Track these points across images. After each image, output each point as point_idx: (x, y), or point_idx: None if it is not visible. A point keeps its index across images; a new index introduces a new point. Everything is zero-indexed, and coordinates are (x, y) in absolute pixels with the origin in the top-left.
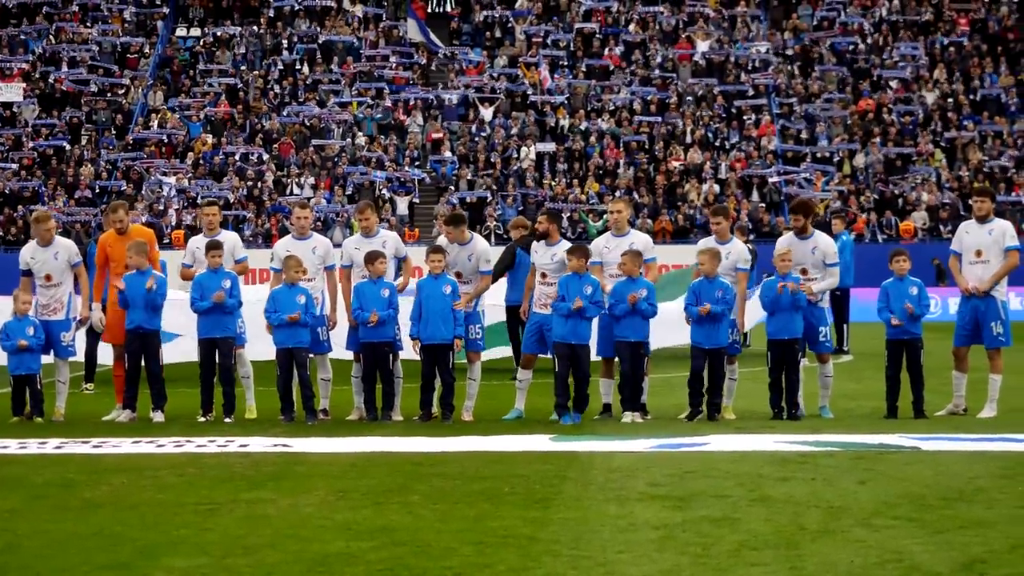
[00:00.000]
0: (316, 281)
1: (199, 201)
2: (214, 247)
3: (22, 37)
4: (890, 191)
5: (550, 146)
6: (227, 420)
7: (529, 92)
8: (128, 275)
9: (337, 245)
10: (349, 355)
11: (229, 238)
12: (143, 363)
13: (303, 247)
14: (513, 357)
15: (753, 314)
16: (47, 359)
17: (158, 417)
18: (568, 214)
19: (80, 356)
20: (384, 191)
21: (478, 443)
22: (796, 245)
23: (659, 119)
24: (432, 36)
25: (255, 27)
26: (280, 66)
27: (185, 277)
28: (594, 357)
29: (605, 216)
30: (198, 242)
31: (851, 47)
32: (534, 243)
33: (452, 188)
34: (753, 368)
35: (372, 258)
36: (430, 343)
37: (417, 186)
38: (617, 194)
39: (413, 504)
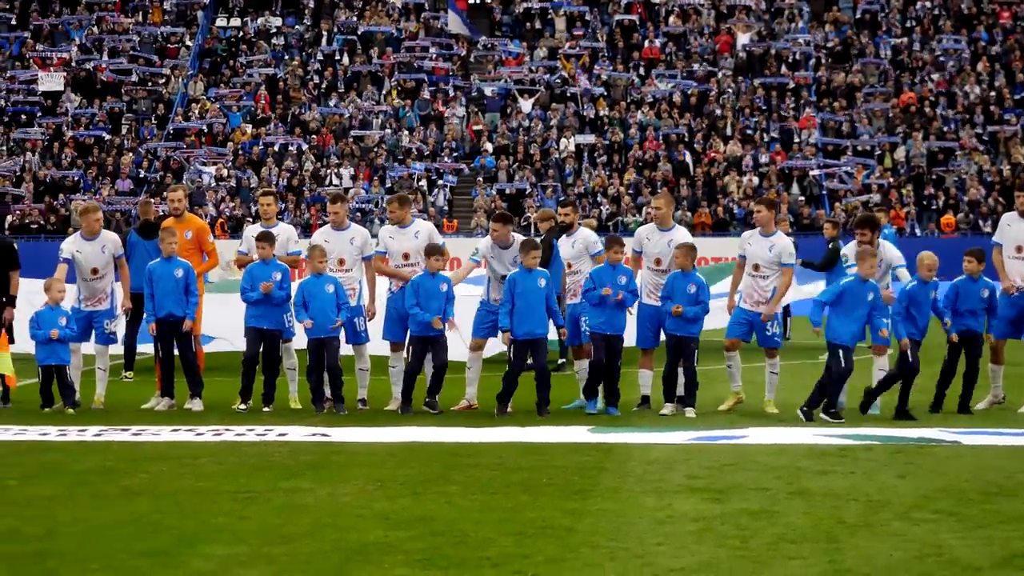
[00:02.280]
0: (354, 272)
1: (256, 192)
2: (264, 238)
3: (64, 27)
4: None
5: (589, 138)
6: (266, 410)
7: (569, 84)
8: (155, 263)
9: (374, 235)
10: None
11: (284, 230)
12: (176, 351)
13: (341, 238)
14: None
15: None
16: (87, 348)
17: (196, 405)
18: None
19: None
20: (422, 182)
21: (516, 434)
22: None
23: (699, 111)
24: (470, 25)
25: (295, 17)
26: (320, 57)
27: (240, 264)
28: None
29: (645, 211)
30: (254, 231)
31: (893, 40)
32: (562, 236)
33: (481, 180)
34: (792, 361)
35: (430, 252)
36: (526, 338)
37: (456, 177)
38: (658, 191)
39: (451, 494)
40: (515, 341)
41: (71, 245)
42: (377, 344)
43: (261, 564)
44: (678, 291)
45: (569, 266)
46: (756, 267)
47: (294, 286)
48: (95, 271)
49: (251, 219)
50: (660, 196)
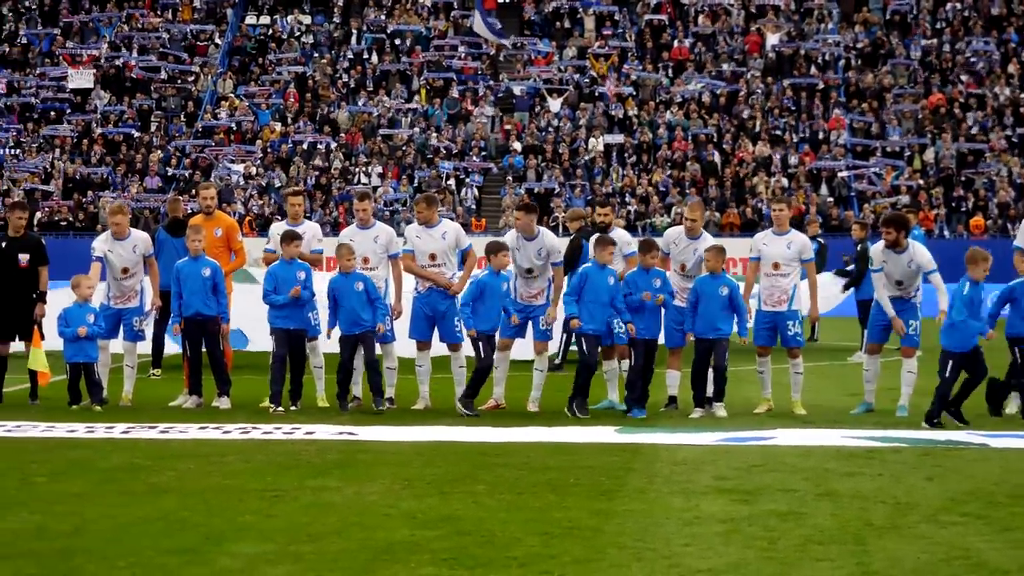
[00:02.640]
0: (379, 270)
1: (284, 190)
2: (291, 237)
3: (94, 24)
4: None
5: (618, 137)
6: (292, 408)
7: (598, 83)
8: (183, 262)
9: (401, 234)
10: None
11: (310, 228)
12: (204, 348)
13: (366, 236)
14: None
15: (829, 301)
16: (115, 345)
17: (224, 403)
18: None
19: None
20: (451, 181)
21: (544, 434)
22: (891, 257)
23: (728, 112)
24: (495, 27)
25: (325, 16)
26: (349, 55)
27: (268, 262)
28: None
29: (674, 211)
30: (280, 228)
31: (923, 42)
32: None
33: (510, 179)
34: (819, 363)
35: (496, 250)
36: (595, 333)
37: (484, 177)
38: (686, 191)
39: (478, 494)
40: (586, 335)
41: (103, 244)
42: (402, 344)
43: (288, 562)
44: (707, 295)
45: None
46: (776, 266)
47: (320, 282)
48: (125, 270)
49: (279, 217)
50: (694, 207)
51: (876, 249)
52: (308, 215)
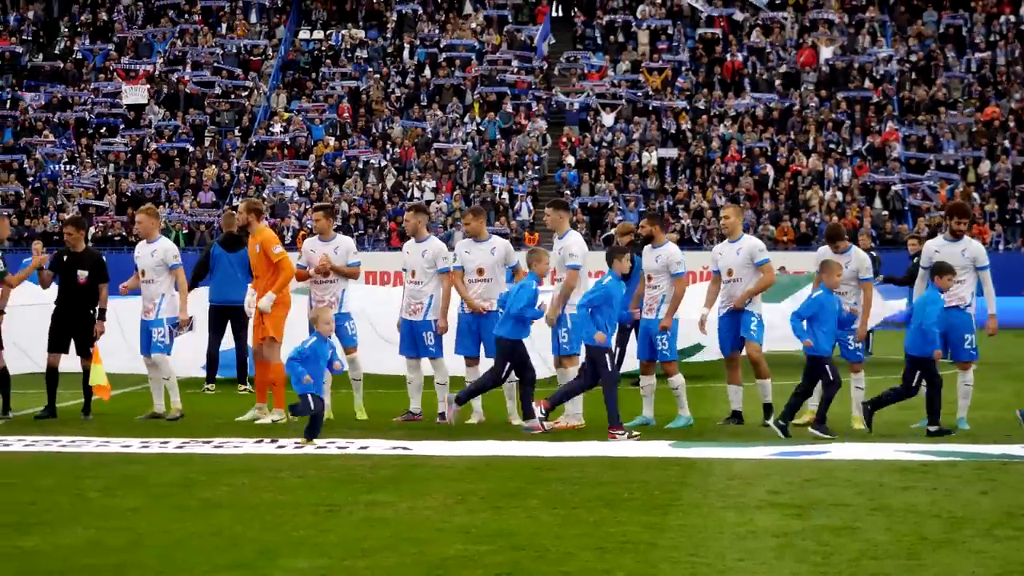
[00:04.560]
0: (425, 285)
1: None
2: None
3: (147, 40)
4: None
5: (672, 151)
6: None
7: (651, 97)
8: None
9: (452, 248)
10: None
11: (343, 242)
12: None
13: (416, 249)
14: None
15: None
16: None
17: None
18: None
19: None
20: (504, 195)
21: (597, 448)
22: (945, 248)
23: (782, 125)
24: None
25: (378, 30)
26: (402, 70)
27: (300, 278)
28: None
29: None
30: (311, 244)
31: (977, 55)
32: (645, 248)
33: (565, 194)
34: (874, 377)
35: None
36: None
37: (538, 191)
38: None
39: (532, 508)
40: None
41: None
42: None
43: None
44: (829, 310)
45: (649, 279)
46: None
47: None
48: (143, 273)
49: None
50: (729, 206)
51: (930, 244)
52: (361, 232)
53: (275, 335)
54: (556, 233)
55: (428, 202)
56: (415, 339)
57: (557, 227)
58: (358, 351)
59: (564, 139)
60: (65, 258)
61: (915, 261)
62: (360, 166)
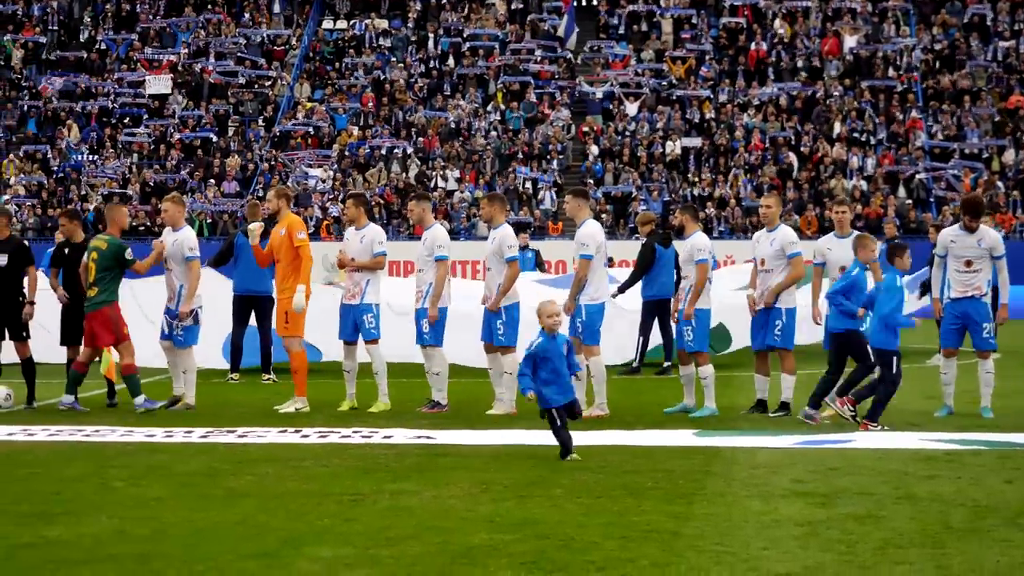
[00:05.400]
0: (424, 273)
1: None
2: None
3: (171, 29)
4: None
5: (696, 140)
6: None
7: (675, 87)
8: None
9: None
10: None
11: (372, 232)
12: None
13: (423, 238)
14: (664, 352)
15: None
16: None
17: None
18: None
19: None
20: (527, 185)
21: (622, 437)
22: (960, 237)
23: (805, 115)
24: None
25: (401, 20)
26: (425, 59)
27: (341, 264)
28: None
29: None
30: (348, 233)
31: (1002, 44)
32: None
33: (588, 183)
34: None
35: None
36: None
37: (561, 180)
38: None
39: (556, 497)
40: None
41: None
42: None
43: (367, 566)
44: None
45: (679, 270)
46: (842, 270)
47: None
48: (166, 261)
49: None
50: (771, 195)
51: (945, 233)
52: (384, 221)
53: (295, 332)
54: (575, 221)
55: (451, 192)
56: (418, 328)
57: (576, 215)
58: (379, 343)
59: (585, 129)
60: (67, 250)
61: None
62: (383, 154)
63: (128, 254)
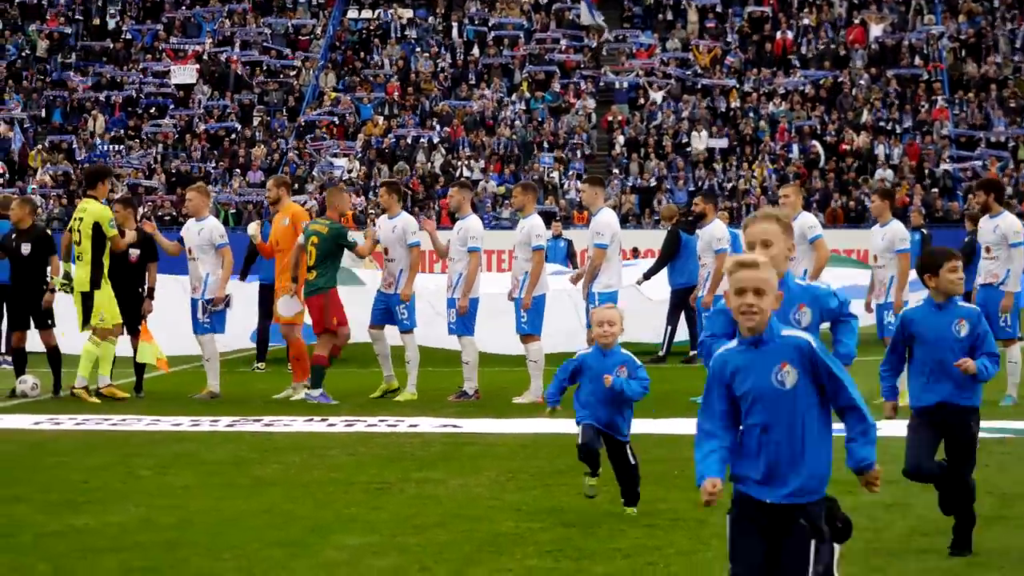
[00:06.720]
0: (456, 263)
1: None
2: None
3: (195, 19)
4: None
5: (722, 142)
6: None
7: (701, 76)
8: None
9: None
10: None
11: (404, 221)
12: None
13: (456, 227)
14: (689, 341)
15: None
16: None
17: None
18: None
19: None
20: (553, 174)
21: (648, 425)
22: (985, 222)
23: (831, 103)
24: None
25: (426, 9)
26: (451, 48)
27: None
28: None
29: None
30: (381, 222)
31: None
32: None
33: (614, 172)
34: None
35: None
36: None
37: (586, 169)
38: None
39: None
40: None
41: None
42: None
43: (393, 554)
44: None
45: (699, 258)
46: (873, 258)
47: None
48: (190, 251)
49: (376, 212)
50: (790, 185)
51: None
52: (409, 211)
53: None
54: (590, 209)
55: (475, 181)
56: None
57: (592, 203)
58: (414, 332)
59: (609, 118)
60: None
61: (968, 240)
62: (409, 143)
63: (350, 237)
